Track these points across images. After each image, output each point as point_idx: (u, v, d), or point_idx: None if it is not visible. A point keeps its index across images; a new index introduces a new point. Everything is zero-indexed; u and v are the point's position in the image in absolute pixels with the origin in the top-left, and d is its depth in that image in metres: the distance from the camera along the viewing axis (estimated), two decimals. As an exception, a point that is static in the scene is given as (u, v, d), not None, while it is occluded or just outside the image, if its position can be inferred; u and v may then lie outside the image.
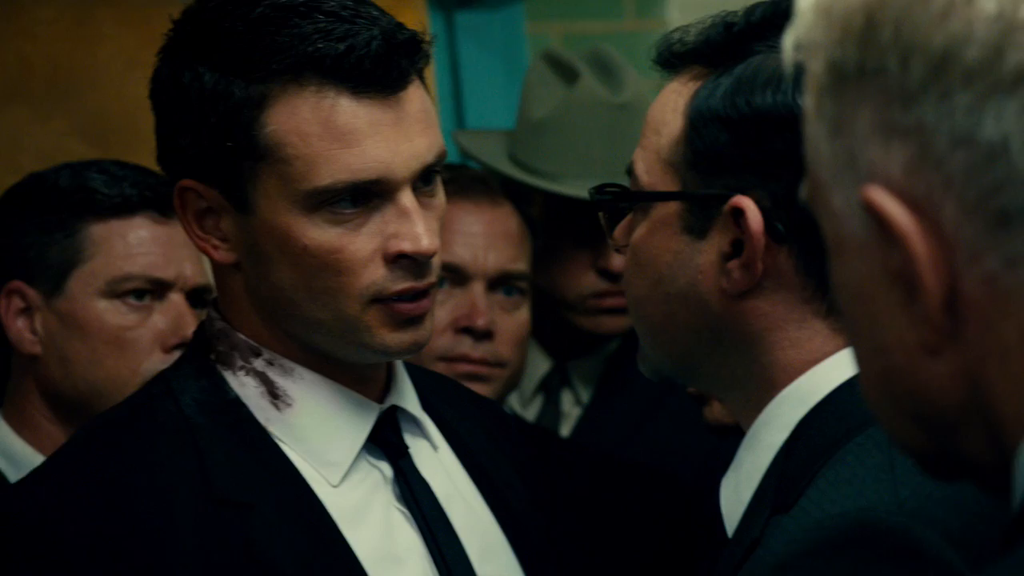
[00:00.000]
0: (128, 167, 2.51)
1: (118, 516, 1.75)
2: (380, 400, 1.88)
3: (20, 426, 2.47)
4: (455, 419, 1.99)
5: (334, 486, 1.82)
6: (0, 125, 3.80)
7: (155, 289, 2.46)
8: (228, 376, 1.85)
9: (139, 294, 2.46)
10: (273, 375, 1.84)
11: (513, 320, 2.83)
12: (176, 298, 2.48)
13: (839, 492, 1.51)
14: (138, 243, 2.46)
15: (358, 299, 1.78)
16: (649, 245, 1.66)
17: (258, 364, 1.84)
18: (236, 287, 1.85)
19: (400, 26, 1.81)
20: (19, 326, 2.48)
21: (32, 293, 2.47)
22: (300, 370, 1.84)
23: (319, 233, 1.76)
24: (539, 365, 3.23)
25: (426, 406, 1.95)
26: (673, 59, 1.69)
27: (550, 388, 3.34)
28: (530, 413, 3.35)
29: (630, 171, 1.70)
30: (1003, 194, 0.96)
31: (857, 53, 1.01)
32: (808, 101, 1.06)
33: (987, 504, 1.32)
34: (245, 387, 1.84)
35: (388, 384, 1.90)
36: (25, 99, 3.84)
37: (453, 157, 3.80)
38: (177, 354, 2.39)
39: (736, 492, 1.66)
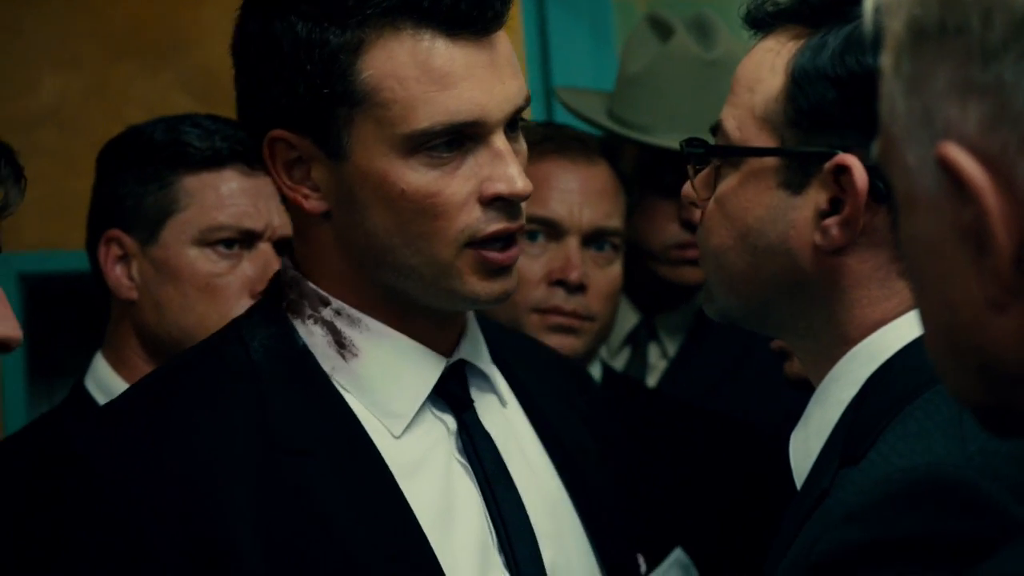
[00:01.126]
0: (220, 121, 2.51)
1: (177, 453, 1.72)
2: (449, 354, 1.84)
3: (119, 366, 2.49)
4: (527, 376, 1.95)
5: (396, 437, 1.79)
6: (110, 79, 3.83)
7: (244, 238, 2.46)
8: (297, 324, 1.81)
9: (229, 243, 2.45)
10: (340, 325, 1.80)
11: (605, 275, 2.80)
12: (264, 247, 2.47)
13: (908, 446, 1.49)
14: (229, 194, 2.46)
15: (453, 243, 1.73)
16: (739, 198, 1.64)
17: (326, 313, 1.80)
18: (322, 237, 1.80)
19: None
20: (117, 273, 2.50)
21: (129, 241, 2.49)
22: (368, 320, 1.80)
23: (416, 177, 1.72)
24: (627, 318, 3.20)
25: (497, 361, 1.92)
26: (767, 19, 1.67)
27: (637, 341, 3.31)
28: (617, 365, 3.31)
29: (716, 129, 1.68)
30: None
31: (939, 11, 0.99)
32: (886, 59, 1.04)
33: None
34: (313, 336, 1.81)
35: (459, 338, 1.86)
36: (134, 55, 3.87)
37: (540, 115, 3.76)
38: (265, 301, 2.41)
39: (805, 445, 1.66)
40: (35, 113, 3.82)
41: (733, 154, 1.65)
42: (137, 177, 2.48)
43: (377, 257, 1.76)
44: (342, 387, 1.79)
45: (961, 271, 1.00)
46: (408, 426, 1.79)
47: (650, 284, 3.15)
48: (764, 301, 1.66)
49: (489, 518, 1.80)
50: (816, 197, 1.58)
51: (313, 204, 1.77)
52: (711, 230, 1.67)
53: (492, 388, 1.89)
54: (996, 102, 0.96)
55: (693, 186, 1.71)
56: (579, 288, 2.75)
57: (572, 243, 2.75)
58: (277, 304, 1.84)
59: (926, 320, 1.08)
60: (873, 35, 1.07)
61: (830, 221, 1.57)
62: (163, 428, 1.75)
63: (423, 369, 1.81)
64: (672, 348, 3.23)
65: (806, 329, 1.65)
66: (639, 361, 3.38)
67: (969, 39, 0.97)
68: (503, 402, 1.90)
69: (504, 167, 1.73)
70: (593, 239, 2.79)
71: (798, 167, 1.59)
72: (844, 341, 1.62)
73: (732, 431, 2.94)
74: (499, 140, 1.74)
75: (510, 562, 1.78)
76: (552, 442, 1.91)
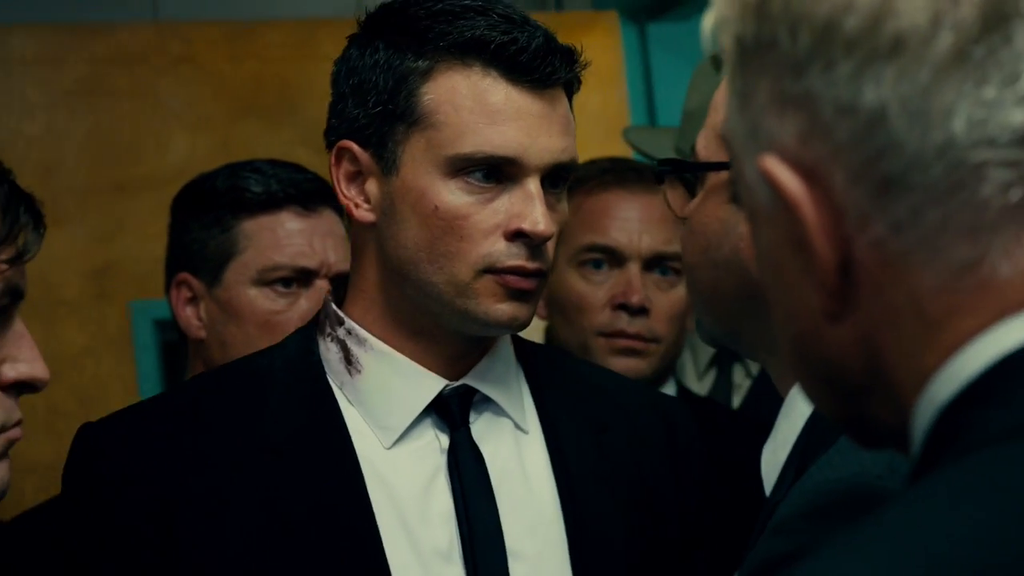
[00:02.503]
0: (279, 165, 2.53)
1: (158, 449, 1.82)
2: (455, 378, 1.88)
3: None
4: (568, 412, 1.97)
5: (387, 448, 1.84)
6: (236, 135, 3.94)
7: (301, 277, 2.47)
8: (319, 341, 1.90)
9: (286, 282, 2.47)
10: (350, 343, 1.88)
11: (668, 298, 2.79)
12: (321, 284, 2.48)
13: (841, 458, 1.47)
14: (285, 235, 2.47)
15: (472, 266, 1.79)
16: (700, 215, 1.62)
17: (340, 332, 1.88)
18: (367, 246, 1.87)
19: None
20: (187, 314, 2.54)
21: (197, 283, 2.52)
22: (373, 341, 1.87)
23: (452, 198, 1.78)
24: (712, 341, 3.19)
25: (538, 391, 1.96)
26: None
27: (722, 362, 3.29)
28: (703, 387, 3.30)
29: (692, 151, 1.67)
30: (884, 161, 0.92)
31: (755, 26, 0.97)
32: (726, 76, 1.03)
33: None
34: (329, 352, 1.89)
35: (473, 366, 1.90)
36: (258, 112, 3.98)
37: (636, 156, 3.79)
38: (324, 336, 2.44)
39: (773, 456, 1.63)
40: (167, 171, 3.95)
41: (688, 169, 1.65)
42: (202, 222, 2.51)
43: (405, 270, 1.82)
44: (348, 400, 1.87)
45: (798, 283, 0.98)
46: (399, 439, 1.85)
47: (732, 306, 3.14)
48: (730, 316, 1.63)
49: (457, 529, 1.83)
50: None
51: (362, 214, 1.84)
52: (684, 249, 1.66)
53: (505, 415, 1.91)
54: (808, 113, 0.94)
55: (670, 207, 1.69)
56: (641, 311, 2.75)
57: (633, 268, 2.76)
58: (314, 323, 1.94)
59: (779, 332, 1.05)
60: (715, 53, 1.04)
61: None
62: (155, 427, 1.85)
63: (418, 389, 1.86)
64: (756, 368, 3.21)
65: (772, 345, 1.59)
66: (725, 381, 3.36)
67: (780, 52, 0.95)
68: (521, 430, 1.92)
69: (532, 208, 1.78)
70: (654, 264, 2.79)
71: None
72: None
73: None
74: (533, 184, 1.80)
75: (470, 571, 1.82)
76: (564, 475, 1.91)
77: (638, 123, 4.02)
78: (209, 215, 2.52)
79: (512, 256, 1.79)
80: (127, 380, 3.96)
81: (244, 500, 1.78)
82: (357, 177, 1.85)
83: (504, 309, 1.81)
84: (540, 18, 1.90)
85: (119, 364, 3.99)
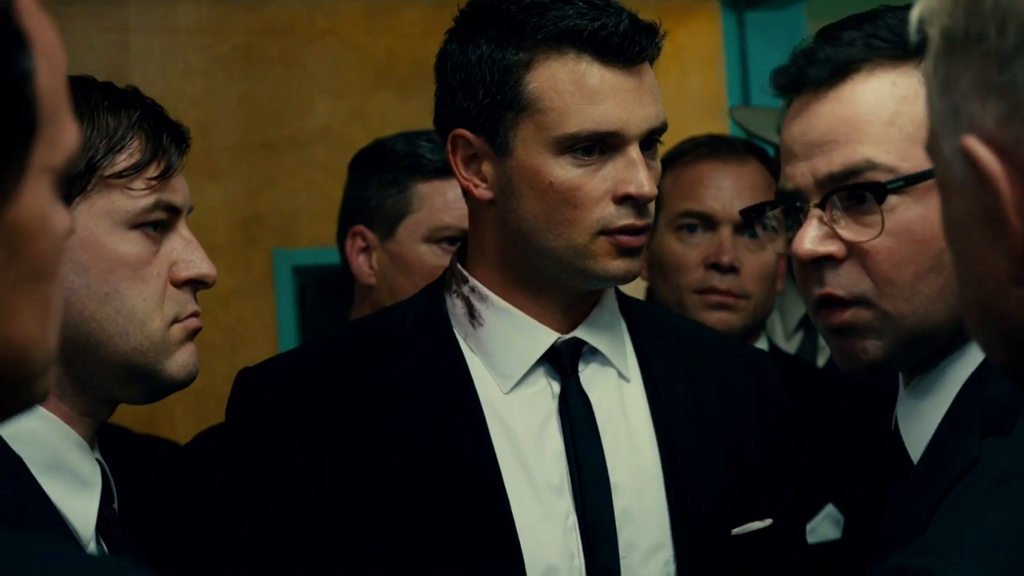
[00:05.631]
0: None
1: (306, 391, 1.99)
2: (566, 332, 2.04)
3: None
4: (665, 362, 2.10)
5: (505, 393, 2.01)
6: (371, 103, 4.20)
7: (465, 236, 2.53)
8: (446, 297, 2.07)
9: (452, 240, 2.66)
10: (474, 300, 2.04)
11: (757, 259, 2.97)
12: None
13: None
14: (454, 199, 2.63)
15: (588, 230, 1.94)
16: (931, 220, 1.62)
17: (465, 290, 2.05)
18: (486, 221, 2.03)
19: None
20: (360, 262, 2.76)
21: (371, 236, 2.74)
22: (493, 298, 2.03)
23: (563, 172, 1.94)
24: (800, 305, 3.36)
25: (638, 343, 2.10)
26: (852, 64, 1.75)
27: (809, 325, 3.49)
28: (791, 347, 3.49)
29: (856, 170, 1.68)
30: None
31: (964, 21, 1.04)
32: (927, 64, 1.10)
33: None
34: (455, 306, 2.05)
35: (581, 321, 2.05)
36: (392, 85, 4.23)
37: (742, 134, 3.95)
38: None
39: (919, 419, 1.68)
40: (309, 133, 4.20)
41: (926, 177, 1.63)
42: (380, 182, 2.72)
43: (526, 239, 1.98)
44: (470, 349, 2.03)
45: (986, 248, 1.04)
46: (516, 385, 2.01)
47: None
48: (955, 317, 1.61)
49: (567, 465, 1.99)
50: None
51: (481, 192, 2.00)
52: (900, 264, 1.66)
53: (610, 364, 2.06)
54: (1010, 101, 1.01)
55: (843, 240, 1.69)
56: (731, 270, 2.94)
57: (725, 232, 2.96)
58: (440, 281, 2.12)
59: (961, 291, 1.12)
60: (917, 43, 1.11)
61: None
62: (304, 373, 2.03)
63: (534, 341, 2.02)
64: (840, 331, 3.37)
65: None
66: (810, 343, 3.55)
67: (988, 45, 1.02)
68: (624, 378, 2.07)
69: (636, 173, 1.94)
70: (745, 227, 2.90)
71: None
72: None
73: (889, 406, 3.05)
74: (634, 151, 1.95)
75: (579, 503, 1.97)
76: (661, 418, 2.06)
77: (734, 103, 4.20)
78: (387, 175, 2.72)
79: (622, 217, 1.95)
80: (267, 319, 4.20)
81: (381, 438, 1.96)
82: (473, 160, 1.99)
83: (619, 265, 1.97)
84: (646, 6, 2.06)
85: (261, 304, 4.21)
